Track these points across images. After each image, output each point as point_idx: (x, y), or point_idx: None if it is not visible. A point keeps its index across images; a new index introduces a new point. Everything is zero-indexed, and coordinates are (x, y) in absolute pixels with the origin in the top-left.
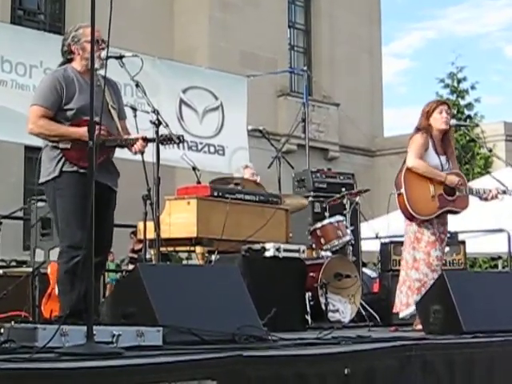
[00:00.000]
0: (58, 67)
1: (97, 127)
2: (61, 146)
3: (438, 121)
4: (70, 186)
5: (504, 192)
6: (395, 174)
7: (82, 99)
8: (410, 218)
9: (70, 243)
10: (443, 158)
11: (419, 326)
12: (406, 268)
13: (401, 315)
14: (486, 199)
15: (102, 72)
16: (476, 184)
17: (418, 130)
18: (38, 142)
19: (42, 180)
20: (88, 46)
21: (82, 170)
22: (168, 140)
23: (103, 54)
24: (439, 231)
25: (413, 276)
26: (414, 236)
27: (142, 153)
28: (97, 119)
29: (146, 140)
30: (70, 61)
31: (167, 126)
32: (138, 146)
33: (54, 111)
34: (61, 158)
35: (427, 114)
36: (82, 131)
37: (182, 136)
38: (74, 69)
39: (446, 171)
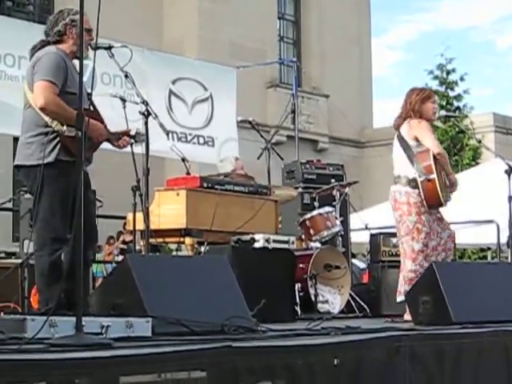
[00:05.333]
0: (37, 43)
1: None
2: (66, 132)
3: (431, 110)
4: (62, 175)
5: None
6: (384, 164)
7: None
8: (437, 205)
9: (55, 235)
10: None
11: (408, 317)
12: (404, 256)
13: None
14: None
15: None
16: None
17: (408, 115)
18: None
19: (26, 162)
20: (84, 34)
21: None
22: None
23: (92, 43)
24: (435, 223)
25: (408, 267)
26: (414, 226)
27: (131, 144)
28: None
29: (130, 136)
30: (57, 42)
31: (156, 117)
32: (123, 141)
33: (58, 91)
34: (57, 144)
35: (422, 101)
36: (100, 126)
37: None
38: (63, 51)
39: None
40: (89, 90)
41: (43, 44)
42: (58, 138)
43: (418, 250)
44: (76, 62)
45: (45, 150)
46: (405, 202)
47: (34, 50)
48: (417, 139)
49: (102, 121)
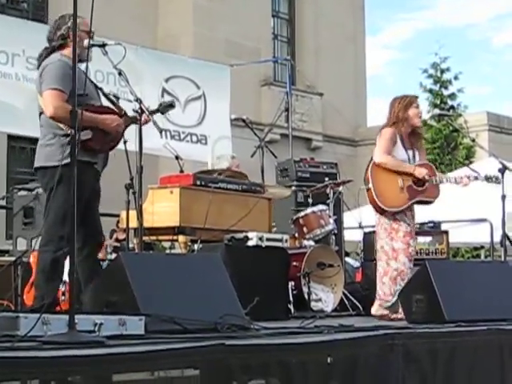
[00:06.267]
0: (43, 51)
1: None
2: (83, 137)
3: (416, 116)
4: (80, 175)
5: (476, 178)
6: None
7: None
8: (380, 211)
9: (63, 233)
10: (410, 153)
11: (394, 315)
12: (387, 259)
13: (387, 304)
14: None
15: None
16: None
17: (393, 123)
18: (20, 131)
19: (44, 164)
20: (85, 36)
21: (93, 160)
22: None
23: (85, 42)
24: (412, 223)
25: (393, 266)
26: (391, 227)
27: (125, 142)
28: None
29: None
30: (61, 46)
31: (150, 114)
32: (145, 119)
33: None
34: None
35: (405, 108)
36: (115, 118)
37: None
38: (67, 57)
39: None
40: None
41: (48, 51)
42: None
43: (398, 248)
44: (80, 65)
45: (64, 152)
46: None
47: (41, 58)
48: None
49: (119, 110)
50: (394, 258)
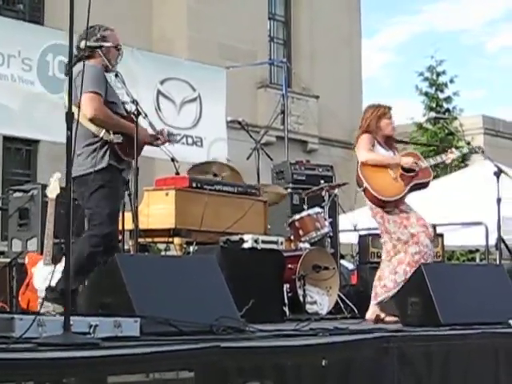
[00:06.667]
0: (74, 59)
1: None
2: (115, 140)
3: (388, 126)
4: (115, 179)
5: (460, 151)
6: None
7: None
8: (382, 205)
9: (108, 231)
10: (391, 153)
11: (389, 318)
12: (406, 247)
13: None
14: (445, 163)
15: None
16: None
17: (365, 131)
18: (16, 132)
19: (77, 173)
20: (113, 50)
21: (120, 167)
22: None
23: (119, 58)
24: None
25: (412, 251)
26: (400, 217)
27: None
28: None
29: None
30: (88, 57)
31: (146, 116)
32: (162, 140)
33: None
34: (106, 150)
35: (378, 118)
36: (145, 130)
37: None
38: (98, 64)
39: None
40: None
41: (76, 59)
42: (107, 146)
43: (417, 232)
44: (108, 75)
45: (96, 157)
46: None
47: (69, 65)
48: None
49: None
50: (414, 243)
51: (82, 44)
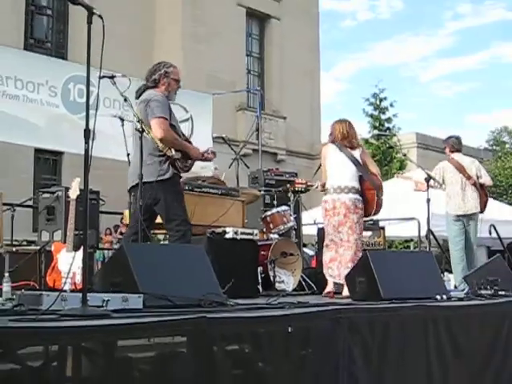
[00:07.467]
0: (141, 87)
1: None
2: (175, 155)
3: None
4: (177, 183)
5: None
6: None
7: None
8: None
9: (185, 219)
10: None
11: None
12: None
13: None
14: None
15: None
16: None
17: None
18: (42, 145)
19: (151, 179)
20: (173, 82)
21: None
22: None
23: (178, 90)
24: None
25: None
26: (361, 223)
27: (128, 154)
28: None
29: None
30: (153, 87)
31: (149, 133)
32: (209, 157)
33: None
34: (169, 163)
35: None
36: (198, 150)
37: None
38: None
39: None
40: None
41: (144, 88)
42: (169, 160)
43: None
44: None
45: (163, 168)
46: (360, 207)
47: (139, 91)
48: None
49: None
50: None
51: (155, 76)
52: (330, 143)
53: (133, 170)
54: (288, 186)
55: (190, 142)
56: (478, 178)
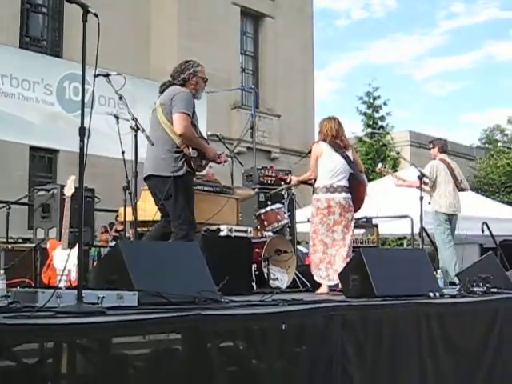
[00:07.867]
0: (166, 82)
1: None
2: (192, 154)
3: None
4: (190, 182)
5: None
6: None
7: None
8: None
9: (190, 220)
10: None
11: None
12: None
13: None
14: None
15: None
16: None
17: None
18: (37, 143)
19: (162, 173)
20: (200, 81)
21: (192, 175)
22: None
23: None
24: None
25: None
26: (353, 221)
27: (123, 152)
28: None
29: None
30: (181, 85)
31: (144, 130)
32: (223, 159)
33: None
34: (184, 160)
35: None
36: (213, 151)
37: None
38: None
39: None
40: (126, 116)
41: (169, 84)
42: (184, 157)
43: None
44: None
45: (177, 164)
46: (351, 205)
47: (163, 86)
48: None
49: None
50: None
51: (184, 75)
52: (321, 141)
53: (147, 164)
54: (282, 184)
55: (207, 142)
56: (460, 182)
